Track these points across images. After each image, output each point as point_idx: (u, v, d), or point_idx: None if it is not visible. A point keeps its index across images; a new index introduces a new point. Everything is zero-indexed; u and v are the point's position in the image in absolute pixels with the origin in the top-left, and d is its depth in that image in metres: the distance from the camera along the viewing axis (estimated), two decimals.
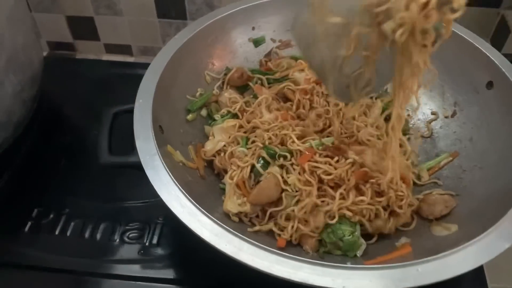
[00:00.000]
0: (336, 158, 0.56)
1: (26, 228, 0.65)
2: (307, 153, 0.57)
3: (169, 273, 0.61)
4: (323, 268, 0.43)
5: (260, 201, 0.56)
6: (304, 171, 0.55)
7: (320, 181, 0.55)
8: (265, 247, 0.45)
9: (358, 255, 0.53)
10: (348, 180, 0.55)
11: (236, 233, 0.46)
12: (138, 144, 0.53)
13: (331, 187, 0.55)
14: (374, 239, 0.56)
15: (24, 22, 0.65)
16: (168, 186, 0.50)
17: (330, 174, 0.55)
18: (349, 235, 0.53)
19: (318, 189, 0.55)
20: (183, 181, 0.51)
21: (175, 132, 0.62)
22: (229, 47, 0.73)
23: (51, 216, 0.66)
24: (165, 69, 0.62)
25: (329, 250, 0.54)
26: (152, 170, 0.51)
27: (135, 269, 0.61)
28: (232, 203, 0.56)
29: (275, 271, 0.43)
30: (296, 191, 0.55)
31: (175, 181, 0.50)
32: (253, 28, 0.74)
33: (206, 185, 0.60)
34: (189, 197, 0.49)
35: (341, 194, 0.54)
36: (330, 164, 0.56)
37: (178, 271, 0.61)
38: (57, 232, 0.65)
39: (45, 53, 1.03)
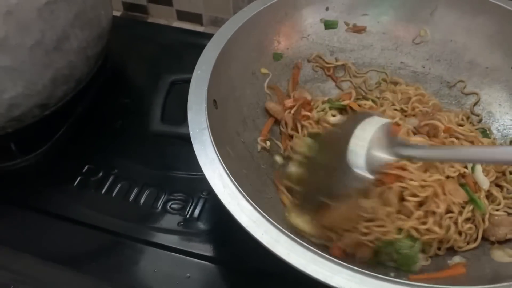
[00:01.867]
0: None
1: (75, 183, 0.67)
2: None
3: (205, 250, 0.60)
4: (363, 276, 0.40)
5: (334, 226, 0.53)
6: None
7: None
8: (304, 243, 0.42)
9: (412, 271, 0.49)
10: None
11: (276, 223, 0.43)
12: (190, 115, 0.52)
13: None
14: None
15: None
16: (213, 163, 0.48)
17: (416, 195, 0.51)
18: (408, 249, 0.49)
19: None
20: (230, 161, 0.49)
21: (229, 109, 0.60)
22: (298, 26, 0.69)
23: (100, 174, 0.68)
24: (228, 42, 0.60)
25: (383, 260, 0.50)
26: (199, 144, 0.49)
27: (172, 240, 0.61)
28: (299, 219, 0.53)
29: (310, 271, 0.40)
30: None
31: (220, 159, 0.48)
32: (327, 9, 0.69)
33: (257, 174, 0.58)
34: (232, 178, 0.47)
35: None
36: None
37: (214, 249, 0.60)
38: (103, 191, 0.66)
39: (119, 13, 1.05)
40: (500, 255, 0.49)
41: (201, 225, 0.62)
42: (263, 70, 0.67)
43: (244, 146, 0.59)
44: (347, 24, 0.70)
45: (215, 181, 0.47)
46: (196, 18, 1.01)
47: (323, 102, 0.65)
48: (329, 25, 0.70)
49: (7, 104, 0.58)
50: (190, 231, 0.62)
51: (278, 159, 0.63)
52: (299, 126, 0.64)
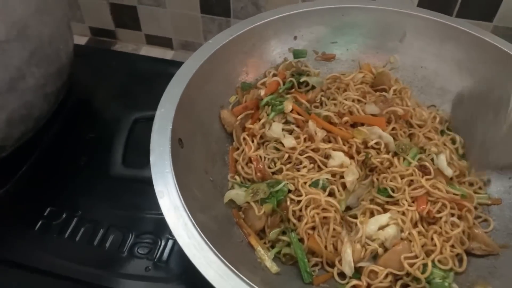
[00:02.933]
0: None
1: (36, 227, 0.63)
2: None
3: None
4: None
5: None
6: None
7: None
8: None
9: None
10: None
11: (244, 278, 0.41)
12: (152, 159, 0.49)
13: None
14: None
15: (54, 13, 0.62)
16: (177, 210, 0.46)
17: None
18: (440, 279, 0.49)
19: None
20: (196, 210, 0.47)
21: (197, 147, 0.58)
22: (266, 56, 0.67)
23: (63, 216, 0.64)
24: (193, 76, 0.58)
25: None
26: (162, 189, 0.47)
27: (140, 287, 0.57)
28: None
29: None
30: None
31: (185, 207, 0.46)
32: (295, 38, 0.68)
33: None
34: (198, 228, 0.44)
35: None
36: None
37: None
38: (66, 235, 0.62)
39: (86, 39, 1.02)
40: None
41: (171, 269, 0.59)
42: (232, 99, 0.65)
43: (212, 185, 0.57)
44: (316, 52, 0.69)
45: (179, 232, 0.44)
46: (165, 42, 0.99)
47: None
48: (297, 54, 0.68)
49: None
50: (159, 276, 0.58)
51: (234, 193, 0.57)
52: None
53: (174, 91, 0.56)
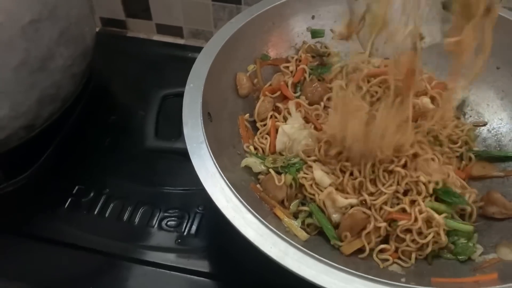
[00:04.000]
0: None
1: (66, 205, 0.65)
2: None
3: (205, 266, 0.59)
4: (377, 285, 0.39)
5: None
6: None
7: None
8: (313, 254, 0.41)
9: (473, 259, 0.50)
10: None
11: (283, 235, 0.43)
12: (186, 130, 0.51)
13: None
14: None
15: None
16: (214, 177, 0.47)
17: None
18: (464, 240, 0.50)
19: None
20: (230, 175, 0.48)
21: (223, 122, 0.59)
22: (286, 35, 0.69)
23: (91, 195, 0.66)
24: (218, 53, 0.59)
25: (438, 253, 0.51)
26: (198, 159, 0.49)
27: (170, 258, 0.59)
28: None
29: (321, 282, 0.40)
30: None
31: (221, 173, 0.47)
32: (313, 17, 0.69)
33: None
34: (235, 192, 0.46)
35: None
36: None
37: (213, 265, 0.59)
38: (95, 212, 0.64)
39: (97, 29, 1.03)
40: (506, 253, 0.49)
41: (199, 242, 0.61)
42: (250, 67, 0.66)
43: (240, 158, 0.58)
44: (333, 31, 0.71)
45: (217, 196, 0.46)
46: (176, 31, 1.00)
47: None
48: (315, 34, 0.70)
49: None
50: (188, 248, 0.60)
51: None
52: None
53: (201, 67, 0.57)
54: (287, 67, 0.67)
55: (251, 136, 0.62)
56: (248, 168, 0.57)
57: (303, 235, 0.52)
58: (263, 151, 0.61)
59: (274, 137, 0.61)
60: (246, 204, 0.45)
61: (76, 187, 0.66)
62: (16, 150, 0.62)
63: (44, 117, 0.62)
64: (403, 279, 0.45)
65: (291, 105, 0.63)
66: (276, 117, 0.63)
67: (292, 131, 0.60)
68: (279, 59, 0.69)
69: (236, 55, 0.63)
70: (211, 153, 0.49)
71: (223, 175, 0.47)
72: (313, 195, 0.54)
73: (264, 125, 0.63)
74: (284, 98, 0.65)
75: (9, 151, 0.61)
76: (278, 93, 0.65)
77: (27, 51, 0.54)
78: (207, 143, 0.50)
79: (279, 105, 0.64)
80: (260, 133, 0.62)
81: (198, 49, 0.89)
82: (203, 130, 0.51)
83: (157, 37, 1.01)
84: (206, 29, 0.97)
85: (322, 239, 0.53)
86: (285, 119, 0.63)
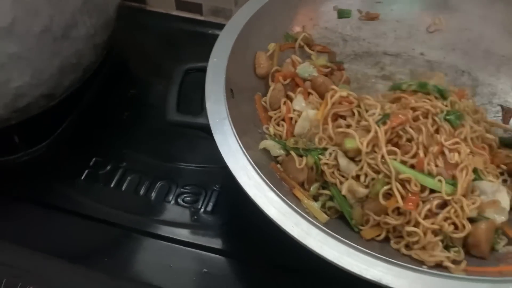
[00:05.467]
0: None
1: (83, 176, 0.64)
2: None
3: (221, 244, 0.58)
4: (400, 269, 0.38)
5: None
6: None
7: None
8: (335, 235, 0.41)
9: (497, 249, 0.49)
10: None
11: (305, 215, 0.42)
12: (209, 105, 0.50)
13: None
14: None
15: None
16: (236, 154, 0.47)
17: None
18: None
19: None
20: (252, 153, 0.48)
21: (245, 100, 0.58)
22: (311, 13, 0.67)
23: (108, 167, 0.65)
24: (242, 29, 0.58)
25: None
26: (220, 135, 0.48)
27: (187, 234, 0.59)
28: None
29: (344, 264, 0.39)
30: None
31: (243, 150, 0.47)
32: None
33: None
34: (257, 169, 0.45)
35: None
36: None
37: (228, 243, 0.59)
38: (112, 185, 0.64)
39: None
40: None
41: (216, 219, 0.60)
42: (271, 46, 0.63)
43: (260, 137, 0.57)
44: (360, 12, 0.69)
45: (239, 173, 0.45)
46: (195, 8, 0.98)
47: None
48: (342, 14, 0.68)
49: (13, 94, 0.55)
50: (205, 225, 0.60)
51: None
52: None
53: (225, 42, 0.56)
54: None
55: (269, 118, 0.61)
56: (266, 151, 0.56)
57: (323, 217, 0.50)
58: (280, 137, 0.59)
59: (289, 124, 0.59)
60: (268, 182, 0.44)
61: (94, 159, 0.66)
62: (35, 119, 0.61)
63: (64, 86, 0.61)
64: (424, 266, 0.44)
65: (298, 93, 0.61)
66: (289, 104, 0.60)
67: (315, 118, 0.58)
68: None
69: (261, 31, 0.62)
70: (234, 129, 0.48)
71: (245, 152, 0.46)
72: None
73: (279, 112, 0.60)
74: (296, 86, 0.63)
75: (28, 119, 0.61)
76: (289, 80, 0.62)
77: (51, 17, 0.54)
78: (230, 119, 0.49)
79: (291, 94, 0.61)
80: (275, 120, 0.60)
81: (218, 26, 0.90)
82: (226, 105, 0.50)
83: (176, 13, 1.00)
84: (226, 7, 0.96)
85: (341, 222, 0.52)
86: None
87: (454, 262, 0.46)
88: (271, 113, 0.61)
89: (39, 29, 0.53)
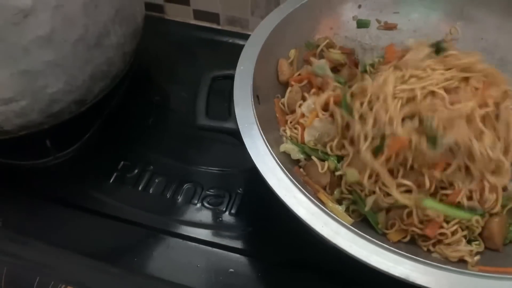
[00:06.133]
0: None
1: (111, 179, 0.67)
2: None
3: (244, 244, 0.60)
4: (427, 267, 0.40)
5: None
6: None
7: None
8: (364, 234, 0.42)
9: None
10: None
11: (334, 215, 0.44)
12: (237, 111, 0.52)
13: None
14: None
15: None
16: (265, 157, 0.49)
17: None
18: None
19: None
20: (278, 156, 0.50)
21: (270, 106, 0.60)
22: (332, 23, 0.69)
23: (136, 171, 0.68)
24: (268, 38, 0.60)
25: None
26: (249, 138, 0.50)
27: (213, 235, 0.61)
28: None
29: (373, 262, 0.41)
30: None
31: (272, 153, 0.49)
32: (359, 6, 0.70)
33: None
34: (286, 172, 0.47)
35: None
36: None
37: (253, 243, 0.61)
38: (140, 188, 0.66)
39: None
40: None
41: (240, 221, 0.62)
42: (291, 53, 0.66)
43: (282, 140, 0.59)
44: (378, 21, 0.71)
45: (268, 175, 0.47)
46: (213, 17, 1.01)
47: None
48: (361, 24, 0.70)
49: (48, 99, 0.58)
50: (230, 226, 0.62)
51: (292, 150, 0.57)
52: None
53: (251, 50, 0.58)
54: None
55: (286, 121, 0.62)
56: (287, 154, 0.58)
57: (347, 219, 0.51)
58: (297, 140, 0.60)
59: (303, 128, 0.60)
60: (297, 184, 0.46)
61: (122, 163, 0.68)
62: (65, 124, 0.64)
63: (95, 93, 0.64)
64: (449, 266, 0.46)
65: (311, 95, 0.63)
66: None
67: (321, 124, 0.59)
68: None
69: (283, 40, 0.64)
70: (262, 133, 0.50)
71: (274, 155, 0.48)
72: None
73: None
74: (312, 87, 0.64)
75: (59, 124, 0.63)
76: (305, 81, 0.64)
77: (85, 27, 0.56)
78: (258, 124, 0.51)
79: (307, 95, 0.63)
80: (291, 122, 0.62)
81: (235, 35, 0.92)
82: (254, 111, 0.52)
83: (193, 23, 1.02)
84: (243, 17, 0.98)
85: (366, 225, 0.53)
86: None
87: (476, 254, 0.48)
88: (288, 116, 0.62)
89: (75, 38, 0.56)
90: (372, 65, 0.68)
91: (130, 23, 0.65)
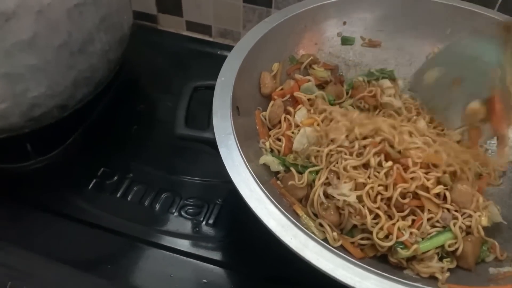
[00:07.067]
0: None
1: (90, 185, 0.67)
2: None
3: (222, 256, 0.60)
4: (392, 283, 0.40)
5: None
6: None
7: None
8: (332, 248, 0.42)
9: (486, 261, 0.52)
10: None
11: (304, 228, 0.44)
12: (215, 120, 0.52)
13: None
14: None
15: None
16: (239, 167, 0.49)
17: None
18: None
19: None
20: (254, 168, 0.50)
21: (251, 116, 0.61)
22: (316, 39, 0.70)
23: (115, 178, 0.67)
24: (250, 50, 0.61)
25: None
26: (225, 148, 0.50)
27: (188, 245, 0.61)
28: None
29: (339, 276, 0.41)
30: None
31: (246, 164, 0.49)
32: (344, 23, 0.71)
33: None
34: (259, 183, 0.47)
35: None
36: None
37: (231, 255, 0.61)
38: (118, 195, 0.66)
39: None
40: None
41: (217, 232, 0.62)
42: (274, 66, 0.66)
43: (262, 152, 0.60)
44: (363, 38, 0.72)
45: (241, 185, 0.47)
46: (205, 29, 1.02)
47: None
48: (346, 41, 0.71)
49: (29, 103, 0.58)
50: (207, 237, 0.62)
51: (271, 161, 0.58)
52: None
53: (233, 62, 0.59)
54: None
55: (267, 133, 0.63)
56: (267, 166, 0.58)
57: (320, 234, 0.52)
58: (278, 152, 0.61)
59: (288, 140, 0.60)
60: (269, 195, 0.46)
61: (101, 169, 0.68)
62: (47, 128, 0.64)
63: (77, 98, 0.64)
64: (418, 283, 0.46)
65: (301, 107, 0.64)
66: (289, 120, 0.63)
67: (313, 135, 0.60)
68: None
69: (267, 54, 0.65)
70: (238, 144, 0.50)
71: (248, 166, 0.48)
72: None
73: (278, 128, 0.63)
74: (295, 102, 0.65)
75: (41, 129, 0.63)
76: (288, 96, 0.64)
77: (69, 33, 0.57)
78: (235, 135, 0.51)
79: (291, 109, 0.63)
80: (274, 135, 0.62)
81: (226, 47, 0.93)
82: (232, 121, 0.52)
83: (186, 34, 1.03)
84: (235, 30, 0.99)
85: None
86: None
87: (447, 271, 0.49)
88: (271, 131, 0.63)
89: (58, 44, 0.56)
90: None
91: (116, 31, 0.65)
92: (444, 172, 0.52)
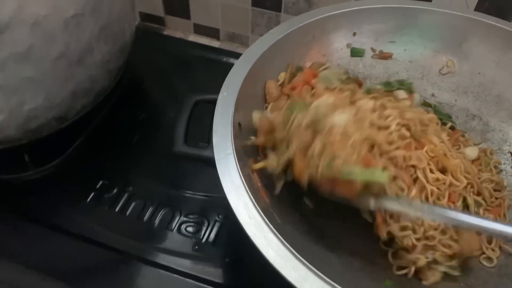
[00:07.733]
0: None
1: (89, 198, 0.65)
2: None
3: (220, 277, 0.58)
4: None
5: None
6: None
7: None
8: (334, 284, 0.40)
9: None
10: None
11: (304, 260, 0.41)
12: (215, 140, 0.50)
13: None
14: None
15: None
16: (238, 190, 0.46)
17: None
18: None
19: None
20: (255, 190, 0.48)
21: (252, 132, 0.58)
22: (324, 50, 0.68)
23: (115, 191, 0.66)
24: (254, 64, 0.58)
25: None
26: (224, 169, 0.48)
27: (186, 265, 0.59)
28: None
29: None
30: None
31: (246, 187, 0.46)
32: (354, 34, 0.68)
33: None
34: (259, 208, 0.45)
35: None
36: None
37: (230, 276, 0.59)
38: (117, 209, 0.64)
39: (135, 23, 1.04)
40: None
41: (217, 250, 0.60)
42: (281, 76, 0.63)
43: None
44: (373, 50, 0.69)
45: (240, 210, 0.45)
46: (213, 32, 1.01)
47: None
48: (355, 52, 0.68)
49: (25, 115, 0.56)
50: (205, 256, 0.60)
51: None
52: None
53: (236, 76, 0.56)
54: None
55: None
56: None
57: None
58: None
59: None
60: (269, 223, 0.44)
61: (100, 182, 0.66)
62: (45, 139, 0.62)
63: (76, 109, 0.62)
64: None
65: None
66: None
67: None
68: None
69: (272, 65, 0.62)
70: (238, 166, 0.48)
71: (248, 190, 0.46)
72: None
73: None
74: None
75: (39, 140, 0.62)
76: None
77: (66, 44, 0.55)
78: (235, 155, 0.49)
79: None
80: None
81: (233, 54, 0.91)
82: (232, 141, 0.50)
83: (193, 37, 1.02)
84: (243, 33, 0.97)
85: None
86: None
87: None
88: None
89: (55, 55, 0.54)
90: None
91: (117, 40, 0.64)
92: None
